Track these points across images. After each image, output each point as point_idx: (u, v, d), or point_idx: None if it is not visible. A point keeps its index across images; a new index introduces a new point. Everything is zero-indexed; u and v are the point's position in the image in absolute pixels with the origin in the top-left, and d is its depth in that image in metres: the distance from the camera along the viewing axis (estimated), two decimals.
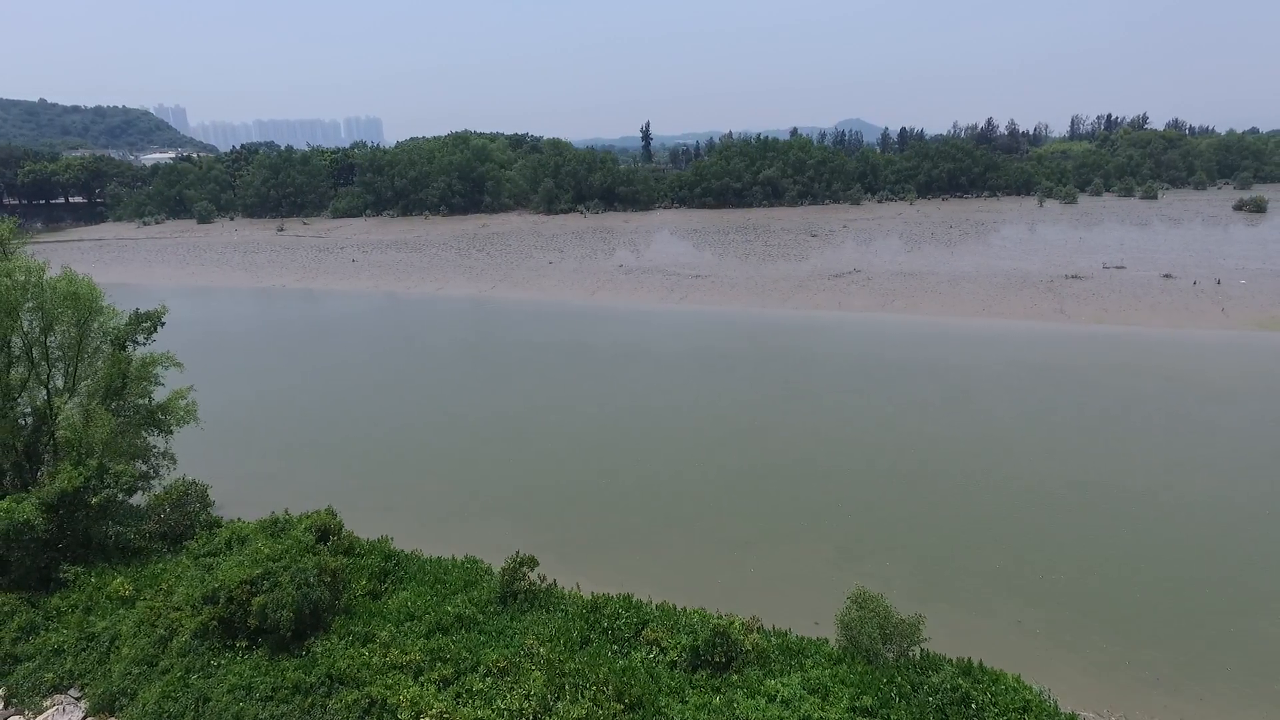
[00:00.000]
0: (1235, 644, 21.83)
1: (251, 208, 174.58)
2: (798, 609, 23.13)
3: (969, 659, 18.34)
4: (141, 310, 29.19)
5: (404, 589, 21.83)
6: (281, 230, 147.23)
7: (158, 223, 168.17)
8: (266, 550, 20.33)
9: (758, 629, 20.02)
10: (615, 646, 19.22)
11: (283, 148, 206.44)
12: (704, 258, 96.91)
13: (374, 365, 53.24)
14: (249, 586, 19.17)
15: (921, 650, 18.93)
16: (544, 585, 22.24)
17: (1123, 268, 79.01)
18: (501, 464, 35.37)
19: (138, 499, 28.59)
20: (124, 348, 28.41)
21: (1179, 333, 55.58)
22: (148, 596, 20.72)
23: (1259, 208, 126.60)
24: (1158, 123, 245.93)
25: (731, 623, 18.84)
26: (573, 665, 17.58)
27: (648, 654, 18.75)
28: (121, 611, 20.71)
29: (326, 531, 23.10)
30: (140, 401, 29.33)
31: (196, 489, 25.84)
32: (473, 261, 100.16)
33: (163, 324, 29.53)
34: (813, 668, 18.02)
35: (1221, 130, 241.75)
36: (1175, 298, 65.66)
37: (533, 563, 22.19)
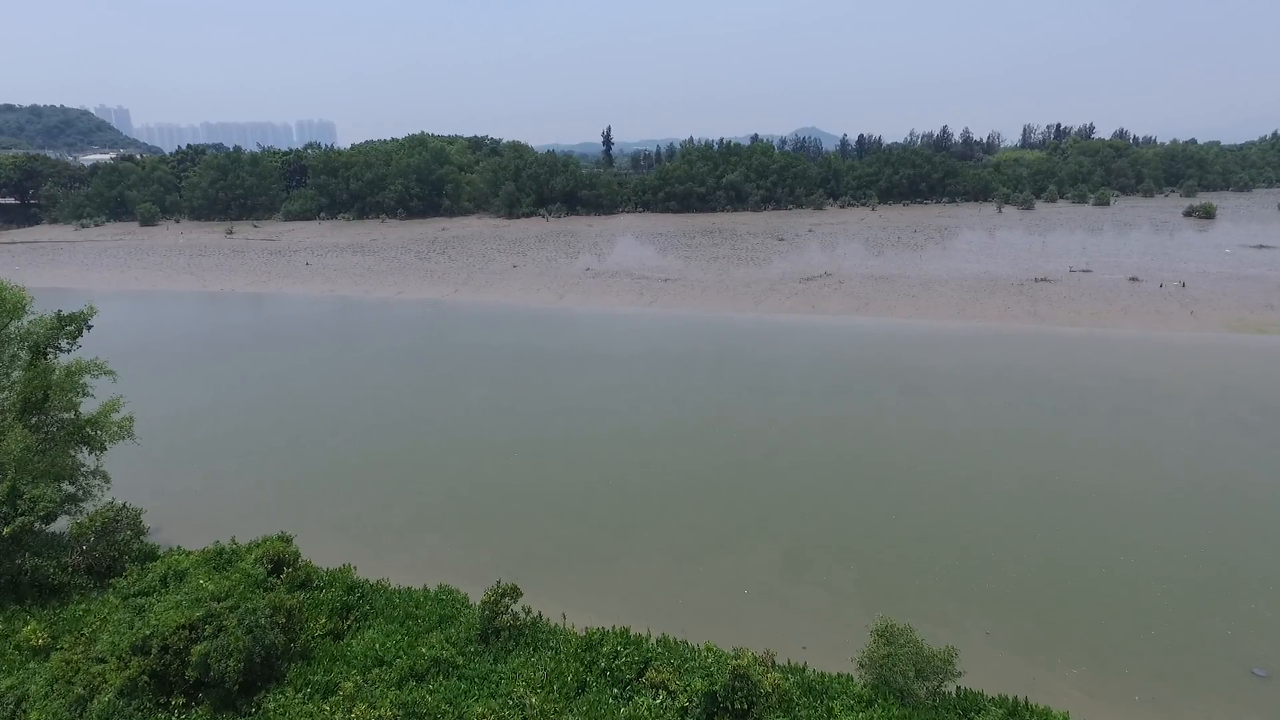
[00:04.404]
0: (1222, 647, 20.51)
1: (198, 210, 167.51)
2: (794, 630, 21.32)
3: (1014, 697, 16.50)
4: (65, 312, 25.85)
5: (370, 627, 19.16)
6: (231, 233, 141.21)
7: (97, 225, 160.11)
8: (210, 587, 17.50)
9: (772, 663, 17.95)
10: (616, 691, 16.90)
11: (233, 149, 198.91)
12: (672, 261, 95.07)
13: (331, 374, 49.89)
14: (188, 632, 16.34)
15: (957, 687, 17.06)
16: (529, 618, 19.82)
17: (1089, 271, 79.43)
18: (470, 479, 32.70)
19: (62, 524, 25.36)
20: (45, 355, 25.18)
21: (1152, 335, 55.40)
22: (65, 645, 17.63)
23: (1208, 214, 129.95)
24: (1104, 132, 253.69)
25: (748, 661, 16.65)
26: (572, 718, 15.22)
27: (654, 699, 16.46)
28: (32, 665, 17.59)
29: (280, 562, 20.28)
30: (66, 415, 26.13)
31: (128, 514, 22.63)
32: (433, 265, 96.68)
33: (89, 326, 26.28)
34: (843, 712, 15.95)
35: (1162, 140, 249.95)
36: (1144, 300, 65.86)
37: (516, 593, 19.76)
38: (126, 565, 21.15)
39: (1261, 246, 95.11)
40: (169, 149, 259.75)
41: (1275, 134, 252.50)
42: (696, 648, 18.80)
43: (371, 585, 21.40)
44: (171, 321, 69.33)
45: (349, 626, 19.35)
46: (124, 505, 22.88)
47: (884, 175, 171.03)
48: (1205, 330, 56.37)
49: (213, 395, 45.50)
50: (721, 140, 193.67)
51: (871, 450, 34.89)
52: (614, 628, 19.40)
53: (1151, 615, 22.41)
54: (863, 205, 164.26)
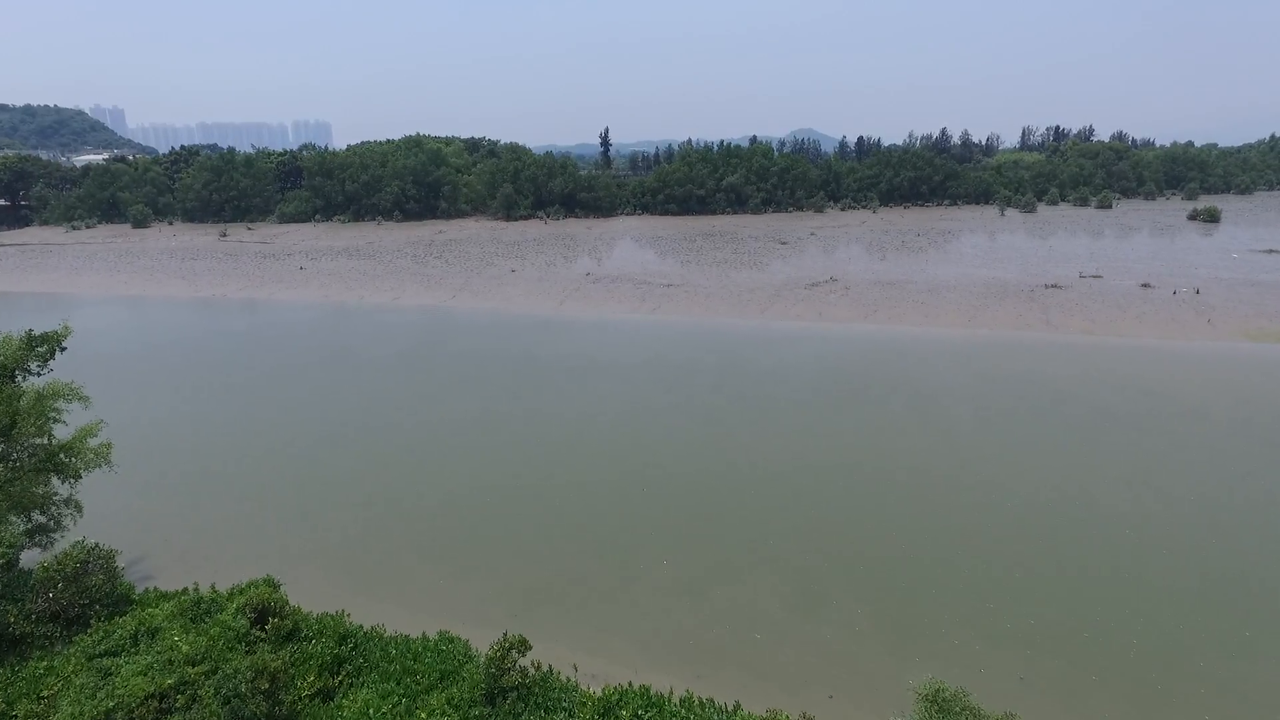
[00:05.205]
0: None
1: (192, 212, 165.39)
2: (815, 676, 19.71)
3: None
4: (36, 332, 24.01)
5: (364, 685, 17.38)
6: (224, 236, 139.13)
7: (88, 227, 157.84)
8: (185, 647, 15.73)
9: None
10: None
11: (227, 149, 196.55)
12: (674, 266, 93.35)
13: (323, 387, 48.02)
14: (157, 702, 14.59)
15: None
16: (538, 674, 18.08)
17: (1099, 277, 77.92)
18: (467, 503, 30.89)
19: (30, 556, 23.56)
20: (13, 377, 23.36)
21: (1170, 344, 53.84)
22: (21, 714, 15.82)
23: (1213, 218, 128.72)
24: (1103, 134, 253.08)
25: None
26: None
27: None
28: None
29: (265, 611, 18.48)
30: (38, 440, 24.32)
31: (100, 556, 20.79)
32: (430, 269, 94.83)
33: (63, 348, 24.42)
34: None
35: (1161, 143, 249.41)
36: (1159, 308, 64.35)
37: (524, 646, 18.01)
38: (95, 612, 19.26)
39: (1271, 251, 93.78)
40: (164, 149, 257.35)
41: (1273, 136, 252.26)
42: (724, 707, 17.10)
43: (365, 633, 19.63)
44: (159, 329, 67.38)
45: (340, 683, 17.59)
46: (96, 545, 21.03)
47: (884, 178, 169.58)
48: (1225, 340, 54.85)
49: (198, 410, 43.60)
50: (721, 142, 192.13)
51: (883, 470, 33.21)
52: (632, 685, 17.68)
53: (1189, 651, 20.84)
54: (863, 208, 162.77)
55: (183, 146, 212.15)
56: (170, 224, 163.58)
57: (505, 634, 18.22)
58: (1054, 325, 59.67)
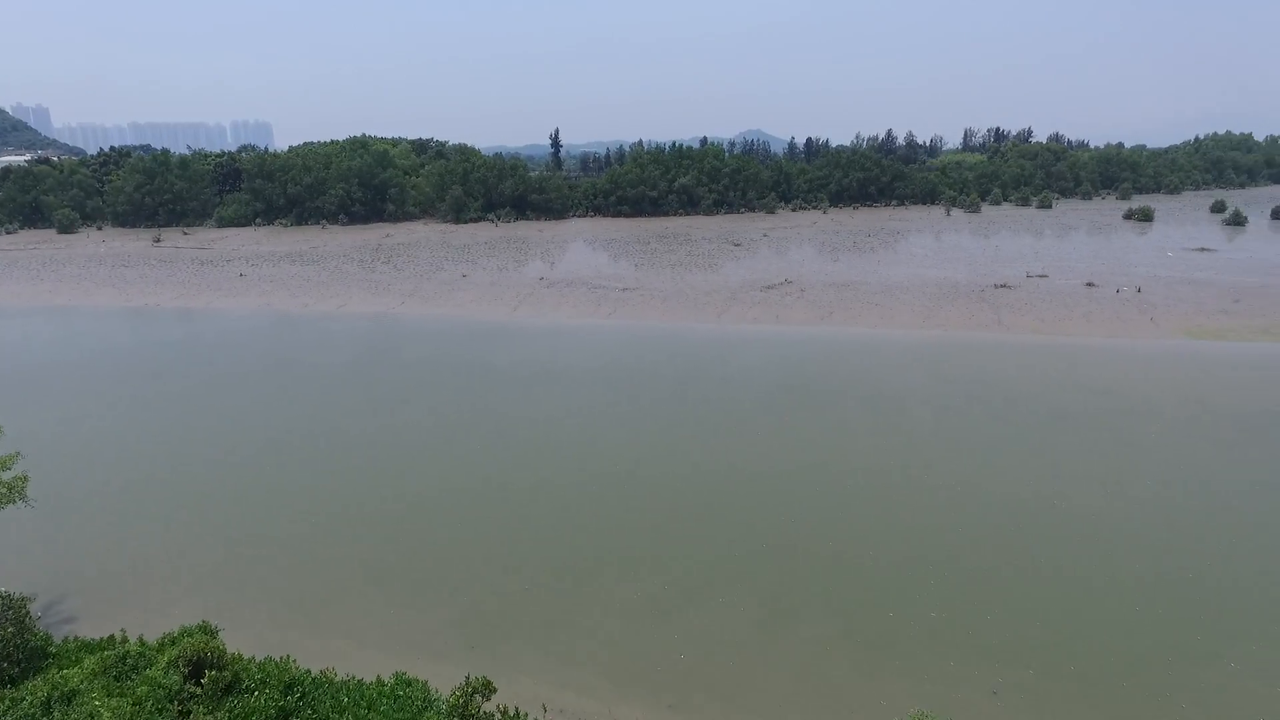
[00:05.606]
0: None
1: (123, 216, 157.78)
2: (792, 703, 19.04)
3: None
4: None
5: None
6: (158, 241, 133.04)
7: (9, 233, 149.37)
8: (107, 715, 14.06)
9: None
10: None
11: (160, 151, 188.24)
12: (629, 269, 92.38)
13: (264, 403, 45.60)
14: None
15: None
16: (506, 719, 16.86)
17: (1046, 276, 79.68)
18: (417, 525, 29.39)
19: None
20: None
21: (1116, 342, 55.08)
22: None
23: (1146, 217, 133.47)
24: (1040, 136, 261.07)
25: None
26: None
27: None
28: None
29: (201, 663, 16.82)
30: None
31: (11, 605, 18.77)
32: (377, 275, 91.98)
33: None
34: None
35: (1095, 144, 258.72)
36: (1104, 307, 65.92)
37: (488, 690, 16.78)
38: (4, 670, 17.27)
39: (1203, 249, 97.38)
40: (92, 150, 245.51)
41: (1197, 139, 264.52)
42: None
43: (314, 679, 18.10)
44: (86, 342, 63.56)
45: None
46: (6, 594, 19.00)
47: (834, 179, 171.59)
48: (1167, 337, 56.34)
49: (126, 431, 40.87)
50: (672, 143, 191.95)
51: (848, 478, 32.82)
52: None
53: (1158, 656, 20.79)
54: (814, 208, 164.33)
55: (113, 147, 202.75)
56: (99, 229, 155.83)
57: (468, 677, 16.97)
58: (1006, 325, 60.55)
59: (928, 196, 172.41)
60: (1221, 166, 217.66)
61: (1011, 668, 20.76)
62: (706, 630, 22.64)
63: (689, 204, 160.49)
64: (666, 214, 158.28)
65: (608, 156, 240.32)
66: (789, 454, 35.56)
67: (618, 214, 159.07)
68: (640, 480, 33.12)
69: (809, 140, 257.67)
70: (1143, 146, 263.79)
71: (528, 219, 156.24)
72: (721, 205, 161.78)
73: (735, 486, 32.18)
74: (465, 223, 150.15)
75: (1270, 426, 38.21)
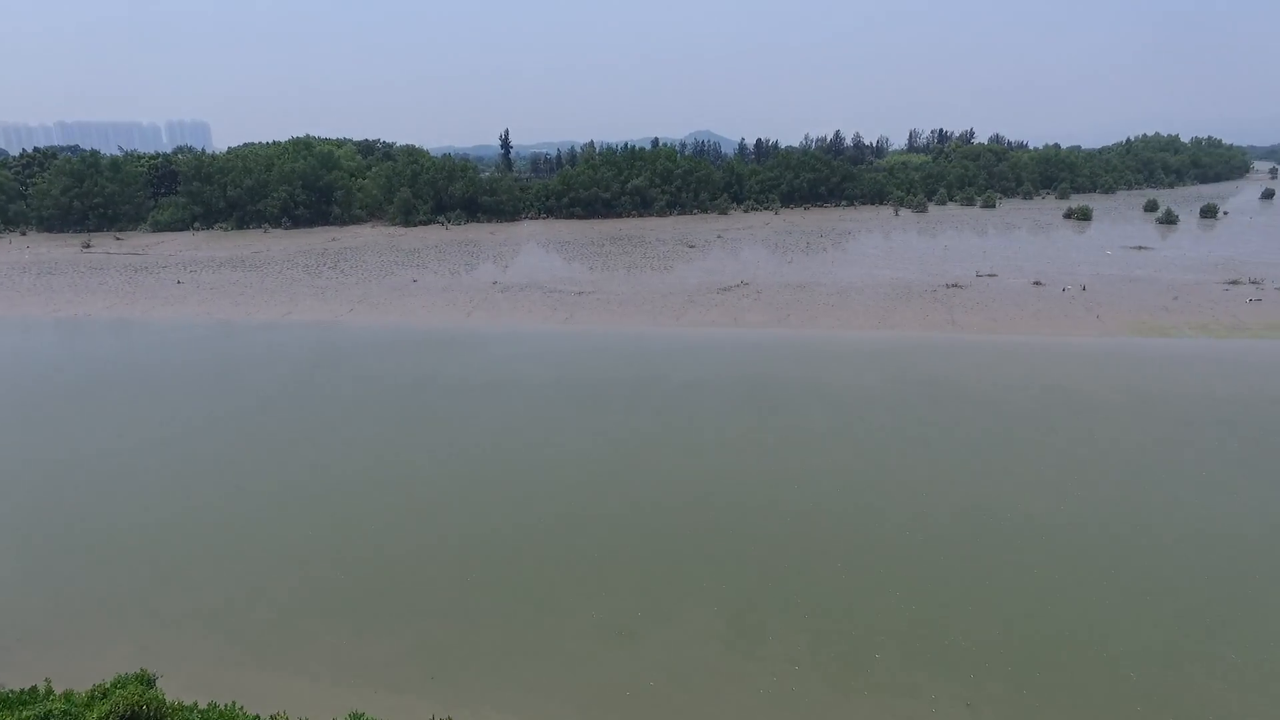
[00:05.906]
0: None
1: (49, 221, 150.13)
2: None
3: None
4: None
5: None
6: (88, 247, 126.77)
7: None
8: None
9: None
10: None
11: (89, 152, 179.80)
12: (584, 272, 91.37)
13: (202, 417, 43.24)
14: None
15: None
16: None
17: (995, 275, 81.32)
18: (368, 550, 27.90)
19: None
20: None
21: (1065, 340, 56.30)
22: None
23: (1085, 216, 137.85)
24: (982, 137, 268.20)
25: None
26: None
27: None
28: None
29: (136, 718, 15.42)
30: None
31: None
32: (324, 281, 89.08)
33: None
34: None
35: (1034, 145, 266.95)
36: (1052, 305, 67.45)
37: None
38: None
39: (1141, 248, 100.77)
40: (15, 151, 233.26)
41: (1128, 140, 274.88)
42: None
43: None
44: (6, 356, 59.89)
45: None
46: None
47: (785, 179, 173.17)
48: (1113, 335, 57.80)
49: (47, 453, 38.23)
50: (625, 144, 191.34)
51: (806, 488, 32.31)
52: None
53: (1127, 660, 20.82)
54: (766, 209, 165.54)
55: (37, 148, 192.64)
56: (23, 234, 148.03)
57: (433, 718, 15.91)
58: (960, 325, 61.40)
59: (876, 197, 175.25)
60: (1152, 167, 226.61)
61: (984, 679, 20.50)
62: (674, 653, 21.87)
63: (642, 205, 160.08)
64: (620, 215, 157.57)
65: (559, 157, 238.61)
66: (753, 463, 35.11)
67: (570, 216, 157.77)
68: (601, 496, 32.26)
69: (759, 141, 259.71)
70: (1078, 147, 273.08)
71: (479, 221, 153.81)
72: (674, 206, 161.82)
73: (698, 499, 31.52)
74: (414, 226, 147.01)
75: (1218, 421, 39.26)
